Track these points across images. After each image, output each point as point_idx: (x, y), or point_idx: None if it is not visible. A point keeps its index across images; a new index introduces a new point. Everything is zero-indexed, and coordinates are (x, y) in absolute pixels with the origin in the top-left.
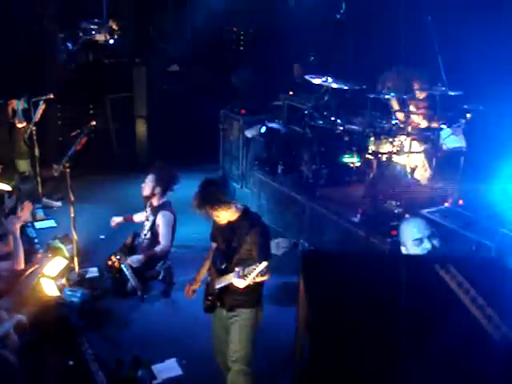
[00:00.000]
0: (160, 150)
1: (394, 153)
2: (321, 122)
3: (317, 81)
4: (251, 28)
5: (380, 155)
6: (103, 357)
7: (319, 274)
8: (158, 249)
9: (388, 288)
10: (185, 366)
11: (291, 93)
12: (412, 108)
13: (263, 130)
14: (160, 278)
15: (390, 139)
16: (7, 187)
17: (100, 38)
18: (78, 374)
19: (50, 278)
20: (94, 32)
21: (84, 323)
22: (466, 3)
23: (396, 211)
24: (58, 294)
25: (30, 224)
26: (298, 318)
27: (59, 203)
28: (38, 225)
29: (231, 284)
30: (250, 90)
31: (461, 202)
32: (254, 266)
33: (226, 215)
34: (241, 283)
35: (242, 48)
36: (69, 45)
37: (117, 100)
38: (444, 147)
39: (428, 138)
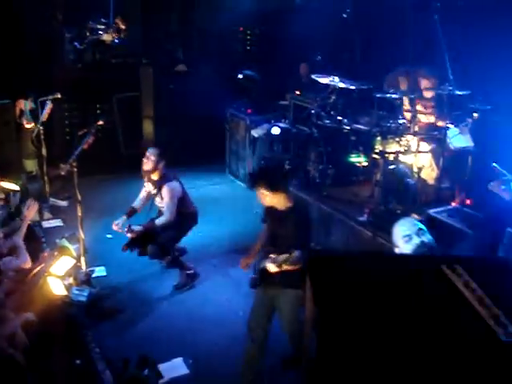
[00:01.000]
0: (166, 149)
1: (401, 152)
2: (328, 121)
3: (324, 80)
4: (258, 28)
5: (387, 155)
6: (110, 356)
7: (326, 273)
8: (158, 221)
9: (395, 287)
10: (191, 366)
11: (298, 92)
12: (419, 107)
13: (277, 131)
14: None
15: (397, 139)
16: (15, 187)
17: (107, 37)
18: (85, 373)
19: (58, 277)
20: (101, 32)
21: (91, 322)
22: (474, 2)
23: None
24: (65, 293)
25: (37, 223)
26: (304, 318)
27: (66, 202)
28: (45, 224)
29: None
30: (257, 90)
31: (468, 201)
32: (286, 255)
33: (274, 201)
34: (272, 268)
35: (248, 48)
36: (76, 44)
37: (124, 100)
38: (451, 146)
39: (435, 137)
